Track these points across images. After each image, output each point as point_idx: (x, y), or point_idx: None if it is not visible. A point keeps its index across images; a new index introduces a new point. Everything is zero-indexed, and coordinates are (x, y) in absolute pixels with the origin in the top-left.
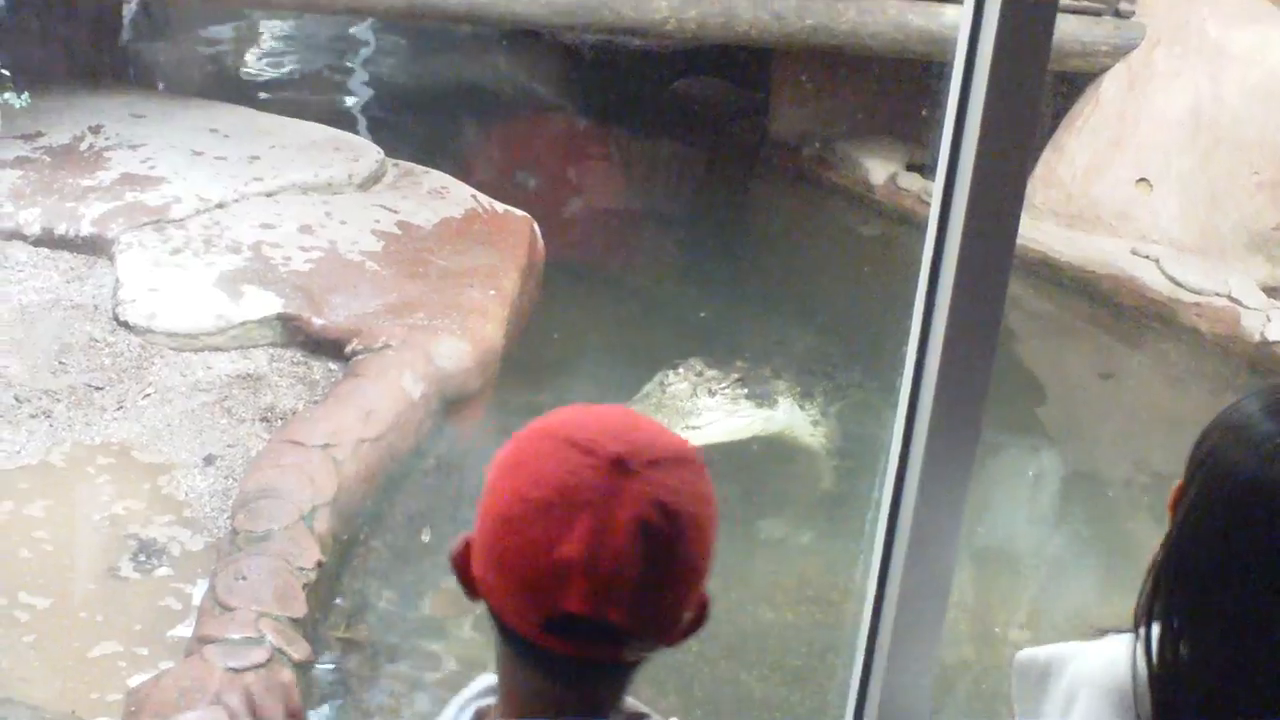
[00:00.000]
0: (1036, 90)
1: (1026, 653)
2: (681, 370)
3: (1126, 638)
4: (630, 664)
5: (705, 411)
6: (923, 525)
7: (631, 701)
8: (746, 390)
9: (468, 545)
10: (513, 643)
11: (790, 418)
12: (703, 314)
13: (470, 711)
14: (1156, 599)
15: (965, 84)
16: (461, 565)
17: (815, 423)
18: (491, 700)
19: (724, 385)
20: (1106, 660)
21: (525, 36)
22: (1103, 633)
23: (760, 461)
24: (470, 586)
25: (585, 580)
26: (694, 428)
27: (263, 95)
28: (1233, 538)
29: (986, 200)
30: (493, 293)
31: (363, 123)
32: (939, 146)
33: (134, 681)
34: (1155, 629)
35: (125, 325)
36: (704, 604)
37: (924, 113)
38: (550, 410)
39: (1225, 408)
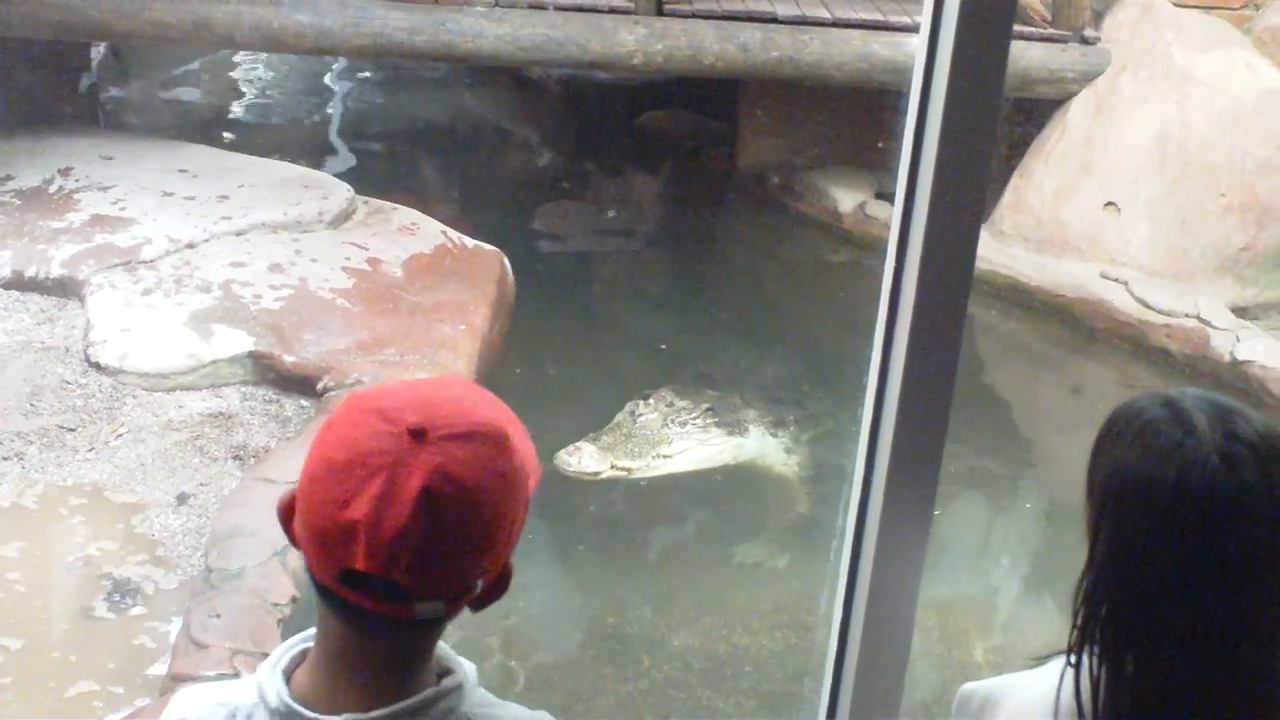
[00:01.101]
0: (992, 116)
1: (968, 686)
2: (652, 400)
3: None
4: (431, 621)
5: (676, 440)
6: (887, 552)
7: (444, 654)
8: (717, 419)
9: (293, 498)
10: (319, 591)
11: (762, 446)
12: (666, 345)
13: (289, 656)
14: (1089, 623)
15: (921, 112)
16: (285, 517)
17: (788, 450)
18: (309, 646)
19: (694, 415)
20: (1048, 686)
21: (493, 73)
22: (1042, 660)
23: (733, 489)
24: (291, 537)
25: (368, 540)
26: (665, 456)
27: (232, 135)
28: (1152, 547)
29: (944, 227)
30: (463, 327)
31: (332, 160)
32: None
33: None
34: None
35: (97, 366)
36: (505, 573)
37: (883, 144)
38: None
39: (1118, 416)
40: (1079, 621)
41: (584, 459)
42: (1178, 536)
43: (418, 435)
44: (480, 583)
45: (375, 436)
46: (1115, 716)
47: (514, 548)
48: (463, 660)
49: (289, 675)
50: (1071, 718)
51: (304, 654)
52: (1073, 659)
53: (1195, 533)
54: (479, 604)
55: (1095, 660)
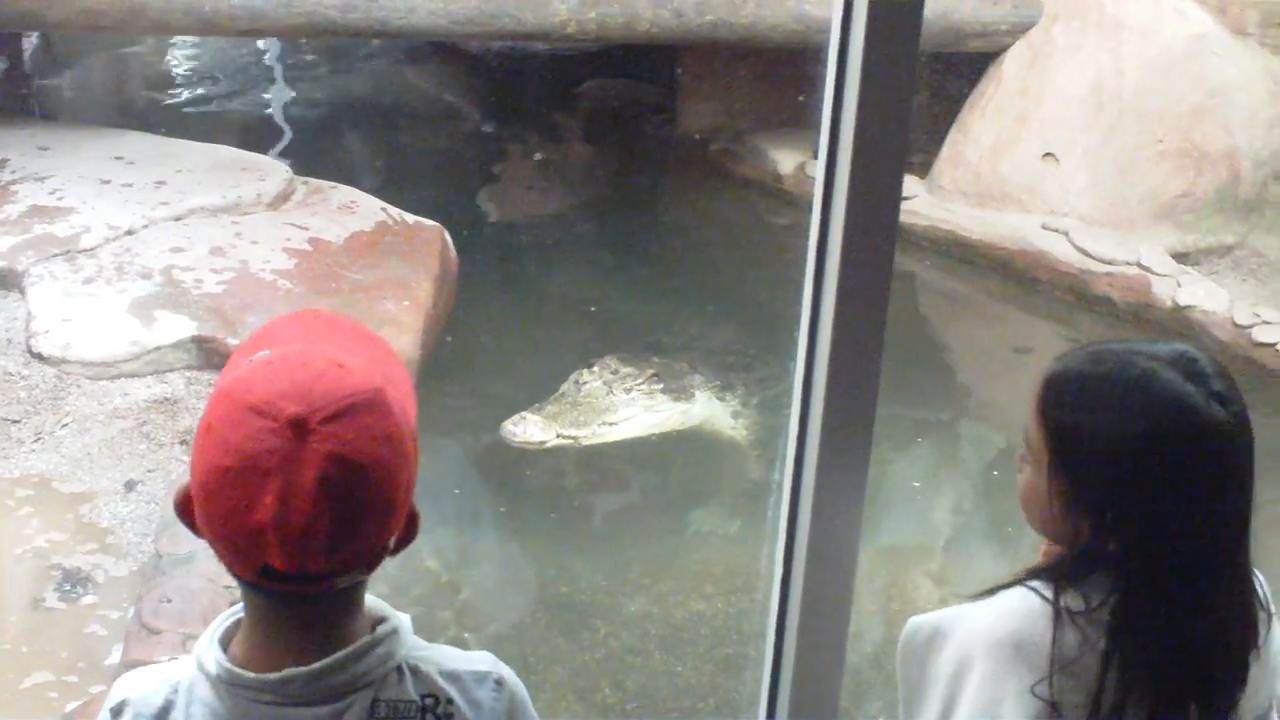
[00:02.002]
0: (909, 70)
1: (915, 620)
2: (596, 368)
3: (1016, 591)
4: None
5: (622, 408)
6: (824, 506)
7: (376, 605)
8: (663, 385)
9: (189, 494)
10: (238, 581)
11: (709, 411)
12: (611, 313)
13: (223, 628)
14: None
15: (840, 69)
16: (184, 511)
17: (735, 415)
18: (241, 616)
19: (640, 381)
20: (998, 615)
21: (432, 48)
22: (991, 591)
23: (682, 455)
24: (194, 530)
25: (279, 541)
26: (611, 424)
27: (169, 120)
28: (1149, 491)
29: (867, 179)
30: (407, 303)
31: (272, 142)
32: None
33: (68, 709)
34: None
35: (39, 357)
36: (412, 519)
37: (810, 105)
38: (273, 324)
39: (1061, 377)
40: (1063, 563)
41: (529, 428)
42: (1176, 474)
43: (299, 427)
44: (392, 540)
45: (258, 437)
46: (1114, 636)
47: (413, 491)
48: (395, 611)
49: (225, 645)
50: (1027, 643)
51: (237, 624)
52: (1045, 593)
53: (1212, 475)
54: (394, 553)
55: (1081, 594)
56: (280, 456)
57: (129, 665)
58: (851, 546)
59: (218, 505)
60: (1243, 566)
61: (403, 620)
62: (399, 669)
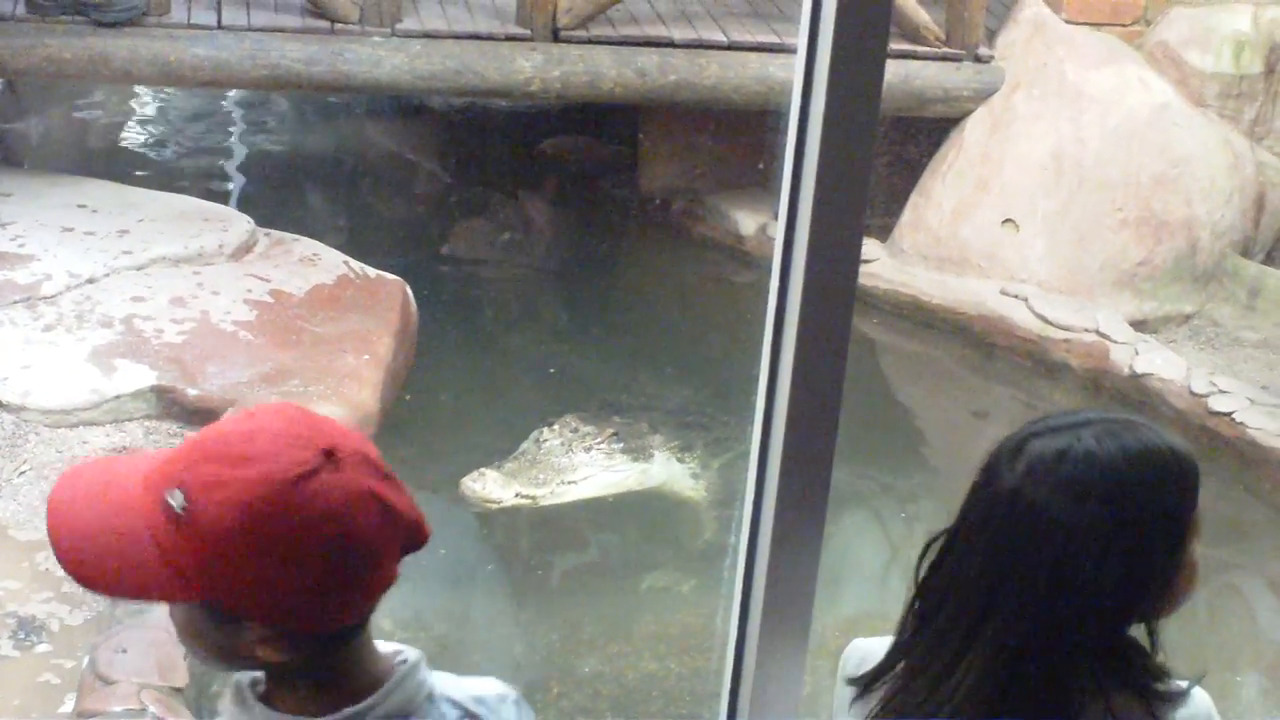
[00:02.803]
0: (870, 133)
1: (857, 642)
2: (556, 427)
3: None
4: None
5: (581, 467)
6: (780, 569)
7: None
8: (622, 445)
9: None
10: (302, 636)
11: (669, 471)
12: (570, 372)
13: (242, 693)
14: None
15: (800, 131)
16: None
17: (695, 475)
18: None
19: (599, 440)
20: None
21: (394, 103)
22: None
23: (641, 516)
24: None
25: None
26: (570, 483)
27: (132, 169)
28: (980, 546)
29: (826, 242)
30: (367, 358)
31: (234, 193)
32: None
33: None
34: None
35: None
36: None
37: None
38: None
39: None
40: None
41: (488, 485)
42: (1005, 536)
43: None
44: None
45: (334, 482)
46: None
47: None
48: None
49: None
50: None
51: (252, 686)
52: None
53: (1019, 535)
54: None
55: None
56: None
57: (81, 715)
58: (805, 610)
59: (355, 561)
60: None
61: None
62: (430, 696)
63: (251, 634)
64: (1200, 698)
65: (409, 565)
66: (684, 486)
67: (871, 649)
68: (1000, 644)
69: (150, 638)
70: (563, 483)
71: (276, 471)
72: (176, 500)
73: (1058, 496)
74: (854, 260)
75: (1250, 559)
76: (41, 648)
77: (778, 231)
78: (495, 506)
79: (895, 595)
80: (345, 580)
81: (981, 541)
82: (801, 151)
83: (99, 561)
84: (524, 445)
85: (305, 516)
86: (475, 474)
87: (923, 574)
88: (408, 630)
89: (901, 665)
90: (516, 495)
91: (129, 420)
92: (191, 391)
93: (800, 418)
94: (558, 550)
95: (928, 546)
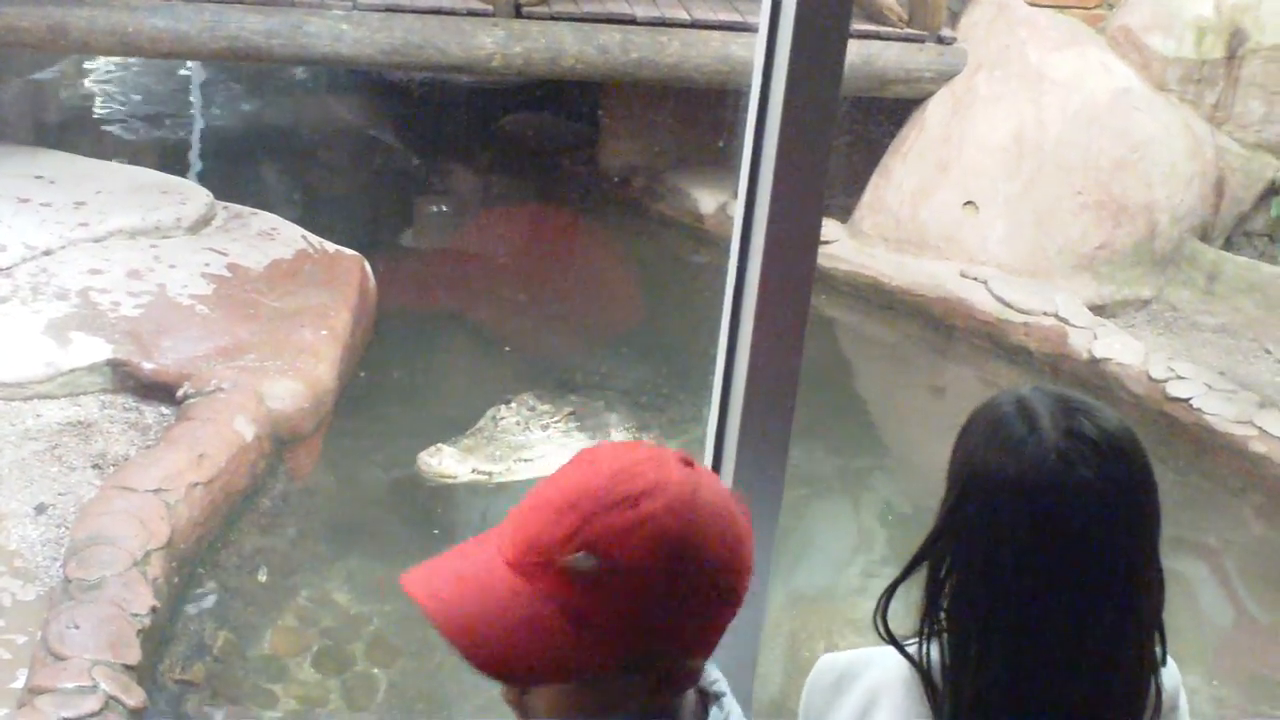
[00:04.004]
0: (830, 112)
1: (826, 658)
2: (514, 405)
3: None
4: None
5: (537, 445)
6: None
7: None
8: (579, 423)
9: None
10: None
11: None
12: (529, 349)
13: None
14: (933, 610)
15: (761, 110)
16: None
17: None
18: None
19: (556, 418)
20: (901, 659)
21: (356, 77)
22: (904, 639)
23: None
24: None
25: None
26: (526, 460)
27: (90, 141)
28: (994, 539)
29: (785, 225)
30: (324, 333)
31: (192, 165)
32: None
33: None
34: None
35: None
36: None
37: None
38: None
39: (978, 410)
40: (924, 608)
41: (444, 461)
42: (1018, 530)
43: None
44: None
45: (738, 522)
46: (957, 701)
47: None
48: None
49: None
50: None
51: None
52: (922, 643)
53: (1033, 528)
54: None
55: (940, 645)
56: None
57: (33, 691)
58: (760, 589)
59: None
60: (1113, 637)
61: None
62: None
63: (648, 680)
64: (1173, 667)
65: (366, 541)
66: None
67: (850, 669)
68: (1094, 633)
69: (103, 614)
70: (519, 460)
71: (674, 494)
72: (587, 564)
73: (1108, 468)
74: (813, 240)
75: (1207, 543)
76: None
77: (737, 210)
78: (451, 482)
79: (848, 574)
80: (735, 590)
81: (1017, 533)
82: (762, 130)
83: (520, 660)
84: (481, 422)
85: (709, 527)
86: (432, 449)
87: (937, 585)
88: (367, 604)
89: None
90: (473, 471)
91: (84, 394)
92: (147, 365)
93: (757, 397)
94: None
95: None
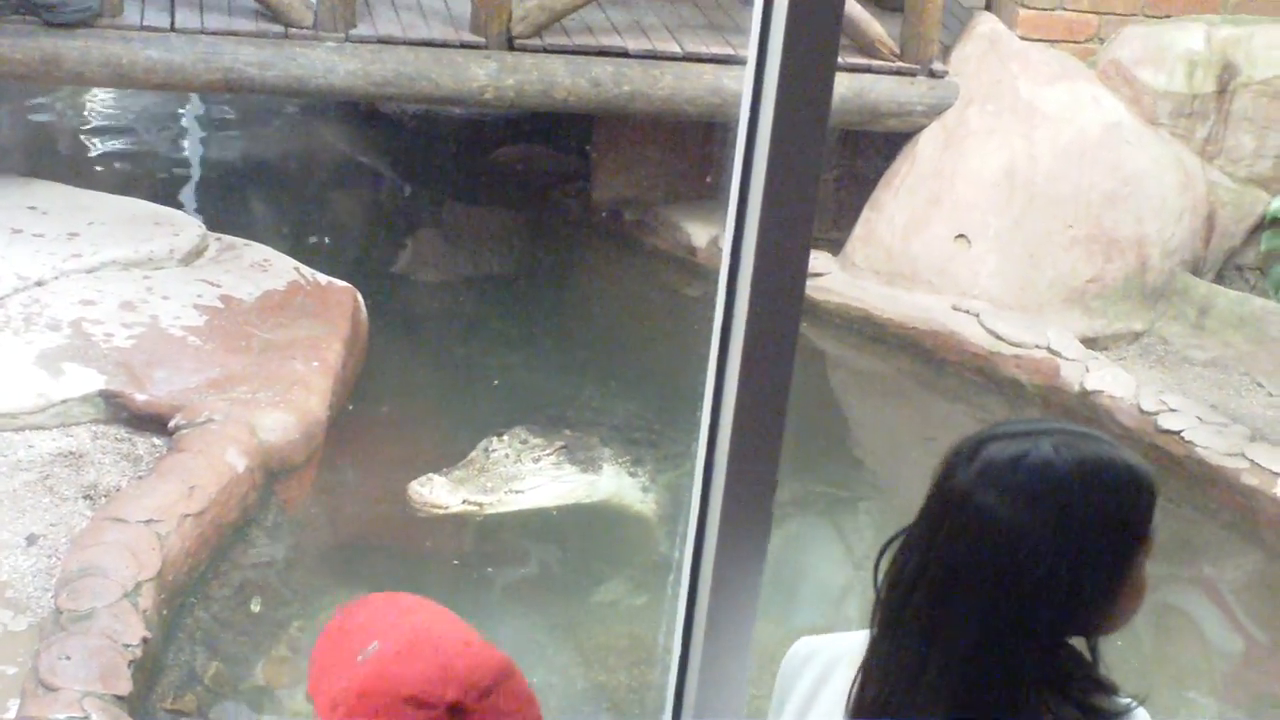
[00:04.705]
0: (818, 144)
1: (801, 640)
2: (506, 437)
3: None
4: None
5: (529, 476)
6: (723, 583)
7: None
8: (570, 456)
9: None
10: None
11: (618, 485)
12: (520, 383)
13: None
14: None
15: (749, 142)
16: None
17: (645, 489)
18: None
19: (548, 452)
20: (864, 639)
21: (348, 109)
22: None
23: (589, 528)
24: None
25: None
26: (517, 492)
27: (82, 171)
28: (936, 545)
29: (773, 257)
30: (316, 364)
31: (186, 197)
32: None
33: None
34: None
35: None
36: None
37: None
38: (354, 615)
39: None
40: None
41: (435, 491)
42: (934, 537)
43: (458, 711)
44: None
45: None
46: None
47: None
48: None
49: None
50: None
51: None
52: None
53: (943, 538)
54: None
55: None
56: None
57: None
58: (748, 623)
59: None
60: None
61: None
62: None
63: None
64: (1141, 717)
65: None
66: (633, 500)
67: (818, 647)
68: (955, 646)
69: (94, 645)
70: (510, 491)
71: None
72: None
73: (1007, 501)
74: (801, 272)
75: (1198, 576)
76: None
77: (725, 242)
78: (442, 512)
79: (838, 606)
80: None
81: (937, 540)
82: (750, 162)
83: None
84: (472, 454)
85: None
86: (423, 479)
87: (883, 572)
88: None
89: (873, 664)
90: (464, 502)
91: (76, 425)
92: (140, 396)
93: (746, 429)
94: (504, 560)
95: (887, 545)
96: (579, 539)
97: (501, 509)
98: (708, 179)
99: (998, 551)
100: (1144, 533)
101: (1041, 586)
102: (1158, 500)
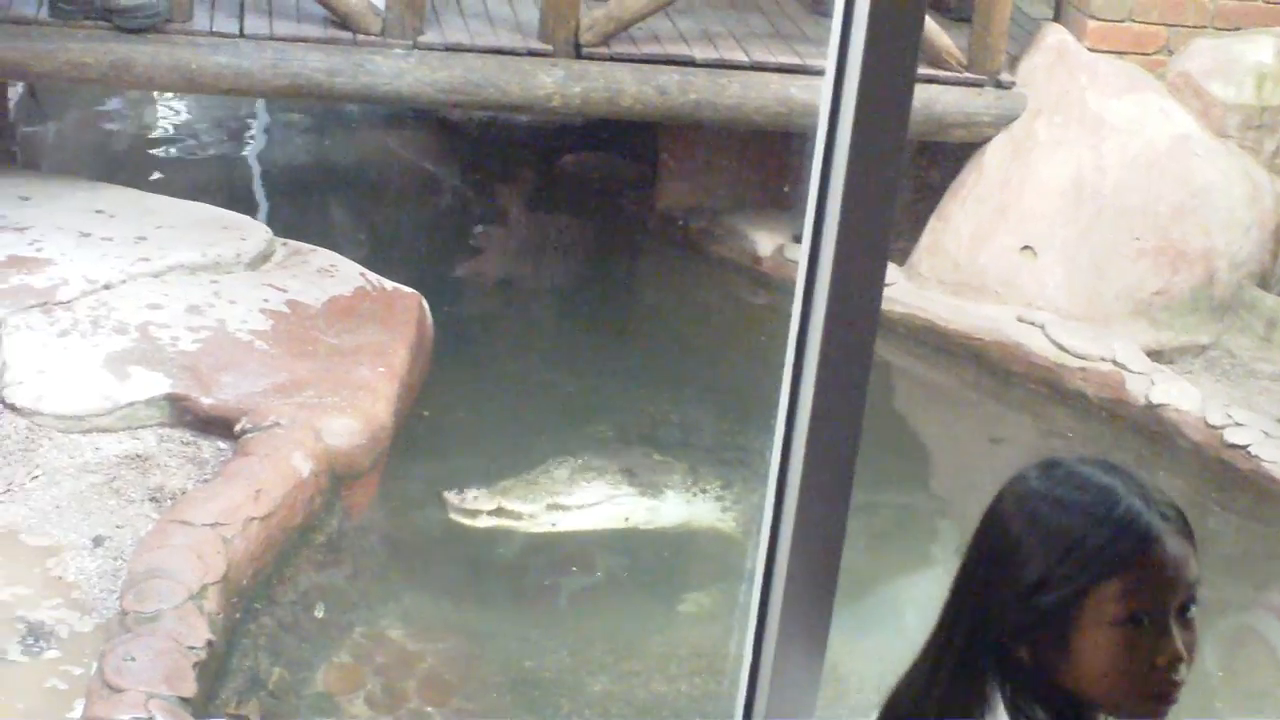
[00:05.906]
0: (896, 157)
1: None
2: (569, 458)
3: None
4: None
5: (586, 494)
6: (797, 592)
7: None
8: (628, 480)
9: None
10: None
11: (680, 509)
12: (585, 393)
13: None
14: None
15: (827, 155)
16: None
17: (724, 508)
18: None
19: (609, 474)
20: None
21: (415, 116)
22: None
23: (654, 541)
24: None
25: None
26: (570, 508)
27: (151, 176)
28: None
29: (850, 267)
30: (382, 370)
31: (252, 202)
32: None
33: None
34: None
35: (12, 408)
36: None
37: (800, 187)
38: None
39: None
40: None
41: (485, 501)
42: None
43: None
44: None
45: None
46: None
47: None
48: None
49: None
50: None
51: None
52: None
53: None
54: None
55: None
56: None
57: None
58: (822, 634)
59: None
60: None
61: None
62: None
63: None
64: None
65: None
66: (709, 519)
67: None
68: (960, 654)
69: (159, 646)
70: (570, 508)
71: None
72: None
73: (996, 499)
74: (878, 285)
75: (1267, 593)
76: (50, 654)
77: (801, 255)
78: (504, 523)
79: (908, 619)
80: None
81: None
82: (828, 175)
83: None
84: (536, 468)
85: None
86: (477, 490)
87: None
88: (421, 641)
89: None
90: (523, 515)
91: (142, 427)
92: (205, 400)
93: (821, 442)
94: (569, 571)
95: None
96: (642, 551)
97: (563, 527)
98: (778, 187)
99: (974, 544)
100: (1112, 572)
101: (991, 584)
102: (1154, 563)
